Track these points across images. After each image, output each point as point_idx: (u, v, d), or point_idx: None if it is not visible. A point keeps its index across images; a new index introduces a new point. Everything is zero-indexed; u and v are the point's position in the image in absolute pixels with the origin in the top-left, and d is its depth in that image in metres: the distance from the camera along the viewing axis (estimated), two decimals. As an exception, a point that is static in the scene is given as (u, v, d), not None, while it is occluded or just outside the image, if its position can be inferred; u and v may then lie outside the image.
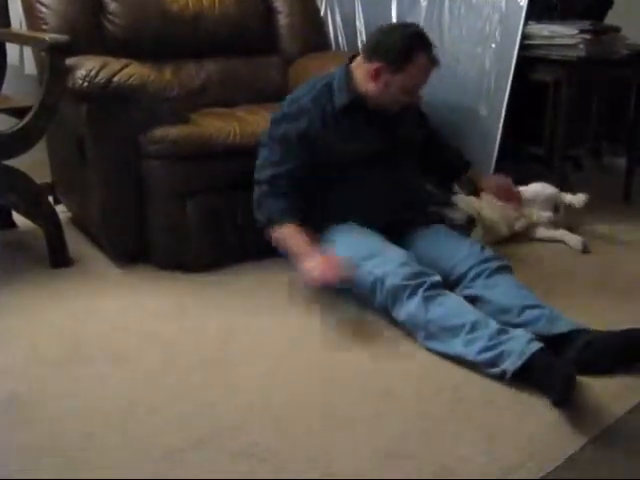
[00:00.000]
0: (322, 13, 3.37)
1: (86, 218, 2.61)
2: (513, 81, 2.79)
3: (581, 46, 2.68)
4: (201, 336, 1.96)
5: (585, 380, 1.71)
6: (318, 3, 3.34)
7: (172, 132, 2.26)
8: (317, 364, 1.82)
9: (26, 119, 2.25)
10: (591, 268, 2.46)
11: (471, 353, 1.77)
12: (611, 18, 3.15)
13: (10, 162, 2.30)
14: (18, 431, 1.54)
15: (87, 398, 1.66)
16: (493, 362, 1.73)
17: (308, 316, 2.06)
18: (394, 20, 3.17)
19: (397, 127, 2.22)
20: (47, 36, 2.26)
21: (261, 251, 2.32)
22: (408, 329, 1.93)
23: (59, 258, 2.40)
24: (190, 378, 1.75)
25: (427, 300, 1.88)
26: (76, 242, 2.56)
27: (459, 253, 2.07)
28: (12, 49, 2.98)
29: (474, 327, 1.80)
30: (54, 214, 2.42)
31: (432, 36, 2.98)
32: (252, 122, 2.42)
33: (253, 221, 2.31)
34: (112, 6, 2.66)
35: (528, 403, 1.65)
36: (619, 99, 3.41)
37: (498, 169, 2.92)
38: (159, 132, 2.26)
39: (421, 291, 1.89)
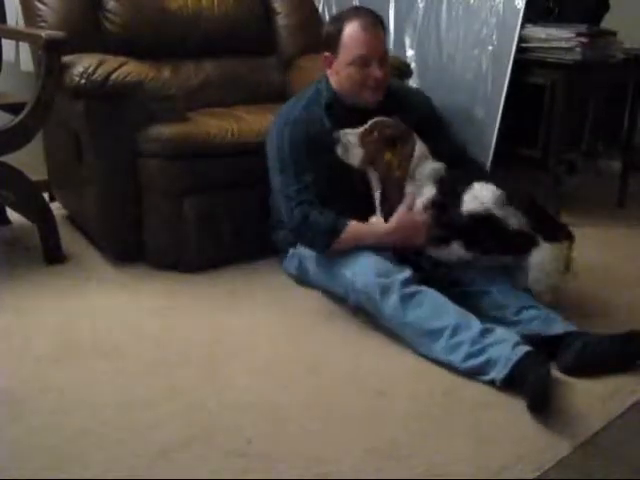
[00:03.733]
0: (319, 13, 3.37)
1: (82, 216, 2.61)
2: (509, 84, 2.80)
3: (577, 49, 2.69)
4: (195, 335, 1.96)
5: (578, 382, 1.73)
6: (316, 3, 3.34)
7: (169, 131, 2.26)
8: (311, 364, 1.82)
9: (21, 115, 2.24)
10: (586, 271, 2.46)
11: (456, 360, 1.75)
12: (607, 22, 3.16)
13: (5, 158, 2.29)
14: (10, 428, 1.54)
15: (79, 395, 1.66)
16: (480, 370, 1.71)
17: (302, 316, 2.07)
18: (392, 21, 3.18)
19: None
20: (43, 32, 2.25)
21: (257, 251, 2.33)
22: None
23: (53, 255, 2.39)
24: (183, 376, 1.75)
25: (404, 301, 1.84)
26: (71, 239, 2.56)
27: None
28: (8, 46, 2.98)
29: (456, 330, 1.76)
30: (48, 211, 2.41)
31: (429, 38, 3.05)
32: (250, 121, 2.42)
33: (249, 221, 2.33)
34: (110, 4, 2.66)
35: (520, 404, 1.65)
36: (615, 103, 3.43)
37: (493, 171, 2.93)
38: (156, 130, 2.25)
39: (396, 290, 1.84)
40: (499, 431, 1.56)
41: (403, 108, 2.11)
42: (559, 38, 2.73)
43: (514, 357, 1.67)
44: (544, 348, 1.77)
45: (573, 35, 2.70)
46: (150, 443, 1.49)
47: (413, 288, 1.86)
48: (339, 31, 2.03)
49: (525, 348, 1.70)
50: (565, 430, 1.57)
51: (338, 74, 2.07)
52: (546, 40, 2.77)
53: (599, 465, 1.48)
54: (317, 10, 3.30)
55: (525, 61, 2.82)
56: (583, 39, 2.69)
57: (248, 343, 1.93)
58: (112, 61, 2.23)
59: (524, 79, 2.86)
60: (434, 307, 1.83)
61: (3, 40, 2.83)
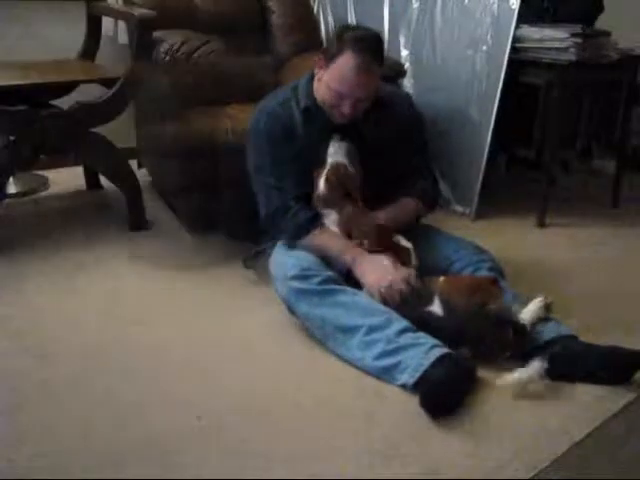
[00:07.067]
0: (314, 12, 3.37)
1: (164, 185, 2.74)
2: (504, 84, 2.81)
3: (572, 50, 2.69)
4: (190, 330, 1.96)
5: (572, 383, 1.73)
6: (311, 3, 3.34)
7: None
8: (306, 362, 1.82)
9: (113, 89, 2.37)
10: (580, 271, 2.47)
11: (369, 358, 1.72)
12: (601, 23, 3.17)
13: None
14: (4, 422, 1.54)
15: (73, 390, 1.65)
16: (391, 370, 1.68)
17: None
18: (386, 21, 3.19)
19: (364, 144, 2.03)
20: (136, 11, 2.37)
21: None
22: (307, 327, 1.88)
23: (137, 222, 2.53)
24: (178, 375, 1.75)
25: (321, 297, 1.81)
26: (155, 207, 2.72)
27: (453, 253, 2.03)
28: (107, 21, 3.08)
29: (373, 328, 1.73)
30: (134, 178, 2.55)
31: (424, 38, 3.05)
32: (244, 121, 2.41)
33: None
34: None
35: (515, 405, 1.66)
36: (609, 103, 3.44)
37: (488, 171, 2.94)
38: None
39: (312, 289, 1.83)
40: (494, 430, 1.57)
41: (382, 122, 2.06)
42: (553, 38, 2.73)
43: (426, 362, 1.64)
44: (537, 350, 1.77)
45: (567, 35, 2.70)
46: (145, 442, 1.49)
47: (331, 286, 1.84)
48: (337, 52, 1.93)
49: (438, 352, 1.66)
50: (561, 429, 1.58)
51: (319, 81, 2.02)
52: (541, 40, 2.77)
53: (595, 464, 1.49)
54: (312, 10, 3.30)
55: (520, 61, 2.82)
56: (577, 39, 2.69)
57: (243, 340, 1.92)
58: (195, 39, 2.37)
59: (519, 79, 2.87)
60: (352, 305, 1.80)
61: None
